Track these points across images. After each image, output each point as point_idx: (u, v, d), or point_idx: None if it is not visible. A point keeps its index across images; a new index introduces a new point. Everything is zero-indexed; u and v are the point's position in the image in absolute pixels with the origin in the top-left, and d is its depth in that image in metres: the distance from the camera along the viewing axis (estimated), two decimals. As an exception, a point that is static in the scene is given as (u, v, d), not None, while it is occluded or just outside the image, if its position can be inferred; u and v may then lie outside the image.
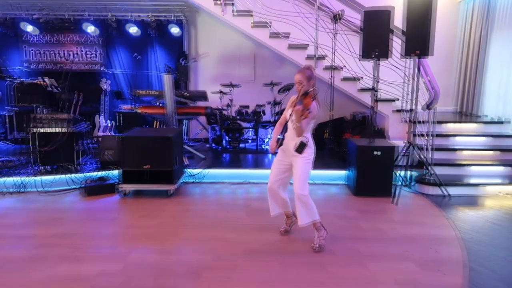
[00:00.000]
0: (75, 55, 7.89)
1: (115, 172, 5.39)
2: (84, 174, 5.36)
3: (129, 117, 7.22)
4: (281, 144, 3.74)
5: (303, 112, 3.38)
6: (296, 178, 3.55)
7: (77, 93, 7.16)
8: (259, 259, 3.40)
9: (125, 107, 7.52)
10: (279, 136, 3.79)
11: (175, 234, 3.88)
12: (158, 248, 3.58)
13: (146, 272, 3.16)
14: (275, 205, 3.80)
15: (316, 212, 3.57)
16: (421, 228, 4.11)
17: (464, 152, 5.86)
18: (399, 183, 5.08)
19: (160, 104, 6.51)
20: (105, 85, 7.25)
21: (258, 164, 6.14)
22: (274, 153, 3.73)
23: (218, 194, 5.16)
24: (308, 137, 3.56)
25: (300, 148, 3.49)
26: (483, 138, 6.07)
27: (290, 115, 3.50)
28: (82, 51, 7.90)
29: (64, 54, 7.87)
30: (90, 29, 7.64)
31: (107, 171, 5.43)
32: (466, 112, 7.42)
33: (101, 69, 7.93)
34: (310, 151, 3.57)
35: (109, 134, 6.97)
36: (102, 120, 7.16)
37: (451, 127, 6.29)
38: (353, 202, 4.90)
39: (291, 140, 3.58)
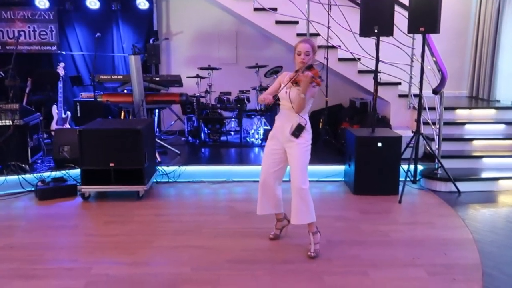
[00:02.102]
0: (25, 34, 7.72)
1: (76, 171, 5.32)
2: (41, 174, 5.28)
3: (89, 107, 7.10)
4: (277, 100, 3.66)
5: (314, 79, 3.34)
6: (294, 169, 3.53)
7: (29, 80, 7.03)
8: (246, 269, 3.40)
9: (85, 95, 7.41)
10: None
11: (147, 243, 3.86)
12: (127, 260, 3.55)
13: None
14: (266, 204, 3.77)
15: (314, 211, 3.59)
16: (430, 229, 4.17)
17: (477, 142, 5.95)
18: (405, 178, 5.12)
19: (126, 91, 6.44)
20: (61, 69, 7.12)
21: (242, 159, 6.13)
22: (271, 104, 3.55)
23: (197, 195, 5.15)
24: (306, 118, 3.54)
25: (298, 131, 3.46)
26: (498, 126, 6.17)
27: (286, 91, 3.46)
28: (33, 29, 7.73)
29: (11, 33, 7.69)
30: (42, 3, 7.46)
31: (66, 170, 5.35)
32: (479, 96, 7.53)
33: (56, 50, 7.78)
34: (308, 136, 3.56)
35: (66, 127, 6.86)
36: (57, 110, 7.03)
37: (462, 113, 6.37)
38: (353, 201, 4.94)
39: (286, 122, 3.54)
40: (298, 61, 3.49)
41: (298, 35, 6.31)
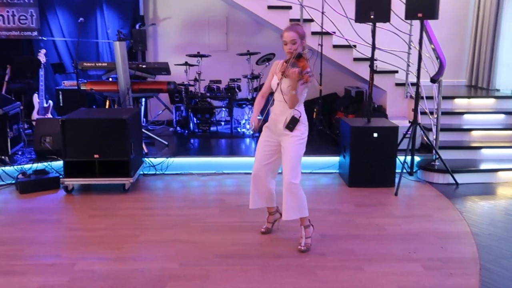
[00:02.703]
0: (3, 19, 7.62)
1: (58, 163, 5.29)
2: (22, 166, 5.26)
3: (72, 96, 7.06)
4: (265, 121, 3.69)
5: (301, 75, 3.28)
6: (286, 163, 3.53)
7: (8, 67, 6.96)
8: (236, 264, 3.41)
9: (68, 83, 7.36)
10: (259, 117, 3.79)
11: (133, 238, 3.85)
12: (112, 255, 3.54)
13: (98, 284, 3.13)
14: (258, 198, 3.79)
15: (306, 206, 3.59)
16: (427, 222, 4.21)
17: (476, 132, 5.99)
18: (401, 170, 5.15)
19: (111, 79, 6.40)
20: (42, 56, 7.05)
21: (233, 151, 6.13)
22: (257, 132, 3.65)
23: (185, 188, 5.15)
24: (301, 110, 3.52)
25: (292, 124, 3.45)
26: (498, 116, 6.21)
27: (278, 83, 3.45)
28: (11, 13, 7.63)
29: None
30: (21, -14, 7.39)
31: (47, 162, 5.33)
32: (478, 85, 7.57)
33: (37, 36, 7.70)
34: (304, 128, 3.55)
35: (48, 116, 6.81)
36: (38, 100, 6.97)
37: (461, 103, 6.41)
38: (348, 194, 4.97)
39: (280, 115, 3.53)
40: (286, 51, 3.46)
41: (291, 20, 6.28)
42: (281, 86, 3.45)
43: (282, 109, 3.50)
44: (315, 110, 6.58)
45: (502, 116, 6.20)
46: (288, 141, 3.51)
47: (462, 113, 6.22)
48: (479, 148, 5.75)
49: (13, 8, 7.62)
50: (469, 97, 6.61)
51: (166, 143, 6.23)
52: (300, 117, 3.48)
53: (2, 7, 7.60)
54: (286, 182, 3.51)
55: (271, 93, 3.71)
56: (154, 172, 5.53)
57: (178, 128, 7.03)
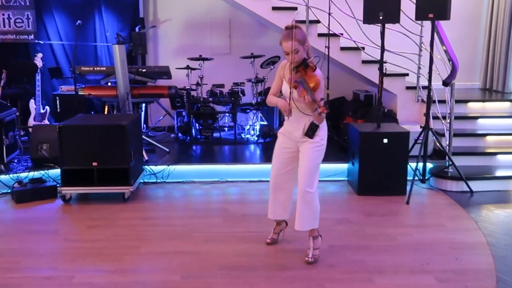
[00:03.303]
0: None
1: (56, 171, 5.31)
2: (18, 175, 5.28)
3: (70, 101, 7.08)
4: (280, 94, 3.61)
5: (317, 103, 3.21)
6: (302, 171, 3.50)
7: (3, 72, 7.01)
8: (241, 277, 3.41)
9: (65, 88, 7.40)
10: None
11: (133, 249, 3.86)
12: (111, 268, 3.54)
13: (97, 297, 3.15)
14: (279, 208, 3.74)
15: (318, 217, 3.60)
16: (441, 232, 4.19)
17: (491, 137, 5.96)
18: (413, 178, 5.14)
19: (110, 84, 6.42)
20: (38, 60, 7.10)
21: (237, 158, 6.14)
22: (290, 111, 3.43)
23: (187, 197, 5.16)
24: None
25: (312, 131, 3.37)
26: (514, 120, 6.19)
27: (290, 92, 3.37)
28: (7, 16, 7.69)
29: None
30: (17, -12, 7.46)
31: (44, 171, 5.35)
32: (493, 88, 7.55)
33: (33, 39, 7.75)
34: (323, 134, 3.51)
35: (44, 123, 6.85)
36: (34, 105, 7.01)
37: (475, 107, 6.40)
38: (357, 202, 4.96)
39: (296, 122, 3.48)
40: (288, 61, 3.40)
41: (297, 22, 6.29)
42: (292, 95, 3.39)
43: (297, 116, 3.45)
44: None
45: (519, 120, 6.18)
46: (307, 147, 3.48)
47: (476, 118, 6.20)
48: (495, 154, 5.73)
49: (9, 11, 7.68)
50: (483, 101, 6.60)
51: (167, 150, 6.24)
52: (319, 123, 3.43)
53: (-2, 10, 7.68)
54: (301, 191, 3.49)
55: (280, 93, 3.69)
56: (155, 181, 5.53)
57: (179, 135, 7.04)
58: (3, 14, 7.68)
